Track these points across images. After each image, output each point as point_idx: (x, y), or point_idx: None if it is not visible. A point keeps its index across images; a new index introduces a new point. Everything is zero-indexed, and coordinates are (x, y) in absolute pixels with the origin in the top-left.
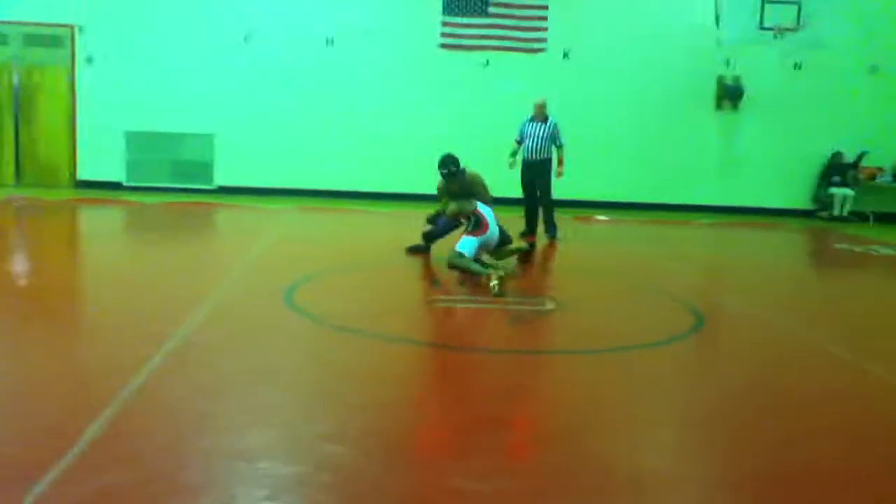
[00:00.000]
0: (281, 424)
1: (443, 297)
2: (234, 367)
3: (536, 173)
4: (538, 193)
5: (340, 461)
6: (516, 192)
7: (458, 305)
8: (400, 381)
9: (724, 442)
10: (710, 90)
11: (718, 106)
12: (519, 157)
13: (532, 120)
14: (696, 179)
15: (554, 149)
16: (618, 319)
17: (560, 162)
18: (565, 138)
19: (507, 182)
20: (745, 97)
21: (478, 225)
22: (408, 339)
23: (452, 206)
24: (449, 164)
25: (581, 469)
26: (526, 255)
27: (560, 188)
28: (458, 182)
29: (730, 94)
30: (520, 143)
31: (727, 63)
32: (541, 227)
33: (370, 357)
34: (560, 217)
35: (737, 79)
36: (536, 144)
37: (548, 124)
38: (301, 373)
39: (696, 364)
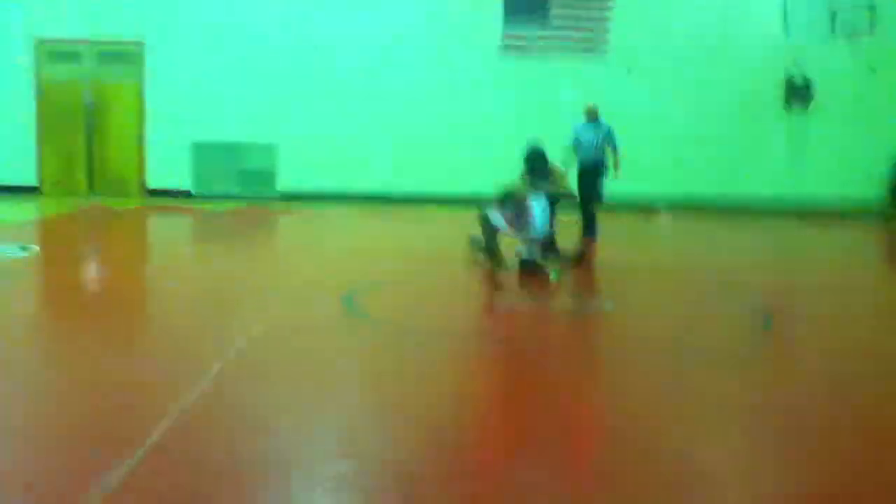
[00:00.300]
0: (344, 426)
1: (507, 299)
2: (298, 373)
3: (592, 177)
4: (589, 196)
5: (405, 461)
6: None
7: (522, 308)
8: (464, 383)
9: (792, 452)
10: (779, 90)
11: (787, 106)
12: (574, 162)
13: (585, 124)
14: (765, 178)
15: (609, 151)
16: (679, 321)
17: (616, 165)
18: (620, 141)
19: None
20: (814, 98)
21: (517, 218)
22: (471, 341)
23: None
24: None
25: (640, 468)
26: (577, 259)
27: (627, 187)
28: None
29: (799, 95)
30: (574, 148)
31: (795, 63)
32: None
33: (433, 361)
34: (625, 216)
35: (806, 79)
36: (591, 149)
37: (601, 128)
38: (365, 377)
39: (762, 371)
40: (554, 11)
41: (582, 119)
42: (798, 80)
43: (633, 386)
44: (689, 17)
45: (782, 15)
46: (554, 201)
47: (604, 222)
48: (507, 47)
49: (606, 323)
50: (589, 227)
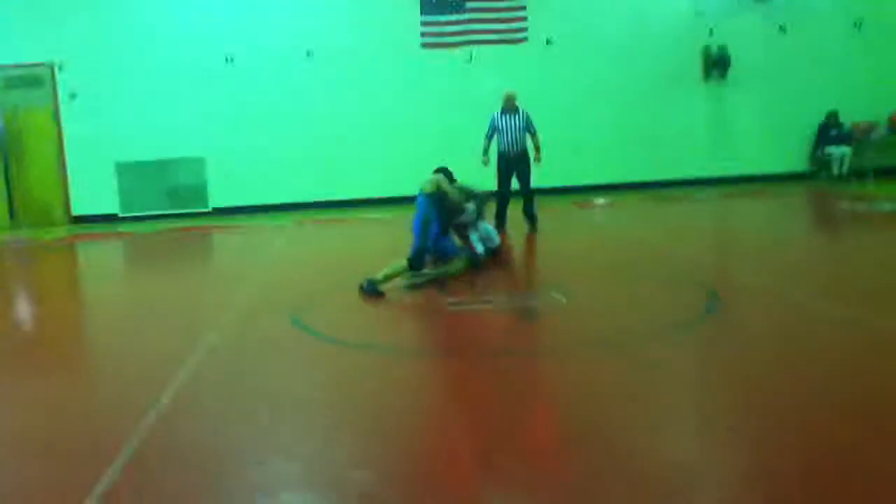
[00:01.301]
0: (302, 454)
1: (450, 301)
2: (248, 398)
3: (515, 165)
4: (520, 185)
5: (366, 489)
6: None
7: (467, 308)
8: (418, 395)
9: (753, 431)
10: (696, 62)
11: (706, 77)
12: (493, 151)
13: (503, 112)
14: (689, 153)
15: (529, 138)
16: (631, 307)
17: (537, 149)
18: (537, 126)
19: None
20: (731, 66)
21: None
22: (420, 349)
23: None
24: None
25: (612, 470)
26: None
27: (553, 174)
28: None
29: (716, 64)
30: (490, 137)
31: (710, 33)
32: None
33: (385, 374)
34: (557, 204)
35: (722, 48)
36: (513, 136)
37: (520, 115)
38: (316, 397)
39: (717, 347)
40: (469, 3)
41: (499, 108)
42: (714, 50)
43: (594, 382)
44: None
45: None
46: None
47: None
48: (426, 42)
49: (558, 316)
50: (504, 219)
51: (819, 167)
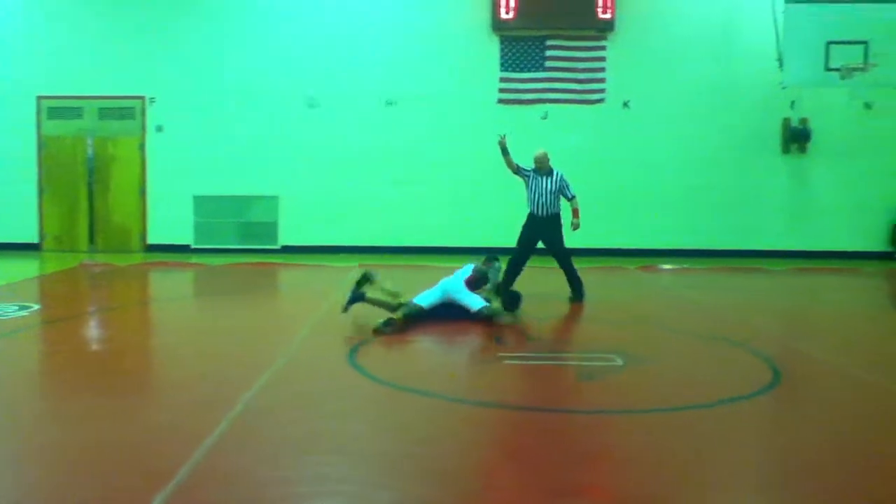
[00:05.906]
0: (346, 493)
1: (508, 354)
2: (299, 434)
3: (544, 230)
4: (554, 252)
5: None
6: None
7: (524, 363)
8: (468, 445)
9: None
10: (776, 133)
11: (785, 149)
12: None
13: (536, 173)
14: (765, 224)
15: (564, 202)
16: (691, 375)
17: (575, 213)
18: (574, 189)
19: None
20: (812, 139)
21: None
22: (474, 399)
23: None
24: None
25: None
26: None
27: (626, 237)
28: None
29: (797, 137)
30: (522, 174)
31: (792, 105)
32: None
33: (437, 420)
34: (624, 266)
35: (803, 121)
36: (544, 199)
37: (554, 177)
38: (366, 438)
39: (776, 423)
40: (549, 63)
41: (533, 166)
42: (795, 123)
43: (650, 448)
44: (685, 61)
45: (777, 57)
46: None
47: (594, 275)
48: (503, 98)
49: (616, 378)
50: (509, 282)
51: None
